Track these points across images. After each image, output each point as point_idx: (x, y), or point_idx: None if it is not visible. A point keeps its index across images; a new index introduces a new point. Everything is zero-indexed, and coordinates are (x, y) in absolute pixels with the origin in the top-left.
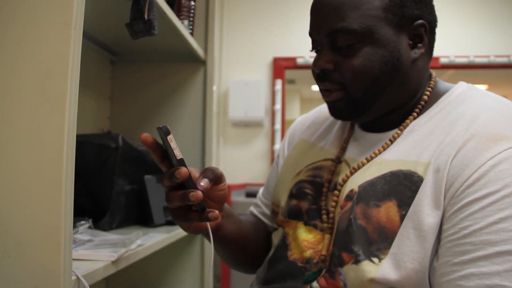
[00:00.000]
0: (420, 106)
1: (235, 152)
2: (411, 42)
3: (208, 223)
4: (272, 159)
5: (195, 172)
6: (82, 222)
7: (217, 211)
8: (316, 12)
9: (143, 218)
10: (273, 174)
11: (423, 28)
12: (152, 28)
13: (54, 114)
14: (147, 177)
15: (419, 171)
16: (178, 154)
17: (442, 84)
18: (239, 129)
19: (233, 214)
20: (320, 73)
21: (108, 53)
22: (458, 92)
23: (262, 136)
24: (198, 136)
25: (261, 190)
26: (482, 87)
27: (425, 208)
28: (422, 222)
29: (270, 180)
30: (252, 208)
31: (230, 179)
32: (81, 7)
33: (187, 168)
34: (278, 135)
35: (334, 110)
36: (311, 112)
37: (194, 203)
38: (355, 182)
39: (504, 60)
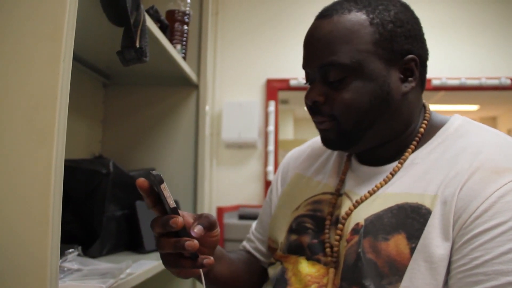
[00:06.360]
0: (417, 139)
1: (228, 173)
2: (401, 76)
3: (201, 270)
4: (266, 181)
5: (189, 217)
6: (71, 250)
7: (211, 258)
8: (308, 46)
9: (133, 244)
10: (266, 209)
11: (413, 63)
12: (143, 55)
13: (42, 147)
14: (138, 202)
15: (426, 203)
16: (171, 203)
17: (437, 116)
18: (233, 150)
19: (224, 255)
20: (312, 105)
21: (101, 77)
22: (455, 126)
23: (255, 158)
24: (191, 158)
25: (254, 225)
26: (473, 107)
27: (435, 240)
28: (433, 254)
29: (263, 215)
30: (245, 243)
31: (223, 201)
32: (71, 38)
33: (179, 215)
34: (271, 157)
35: (326, 140)
36: (305, 145)
37: (189, 252)
38: (360, 216)
39: (495, 82)
